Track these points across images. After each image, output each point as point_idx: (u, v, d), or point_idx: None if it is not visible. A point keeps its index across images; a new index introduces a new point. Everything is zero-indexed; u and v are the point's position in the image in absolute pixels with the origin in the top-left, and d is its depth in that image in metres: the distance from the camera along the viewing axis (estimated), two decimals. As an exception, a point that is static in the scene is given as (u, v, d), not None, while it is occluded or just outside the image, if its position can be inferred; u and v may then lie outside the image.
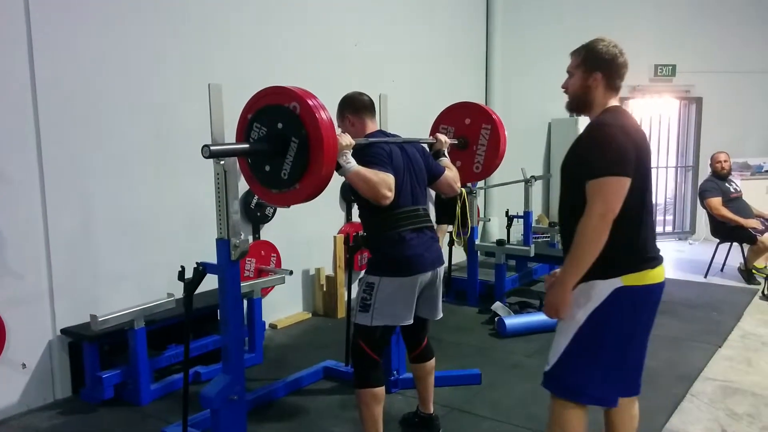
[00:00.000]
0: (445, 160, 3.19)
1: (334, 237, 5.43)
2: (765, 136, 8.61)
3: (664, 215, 9.42)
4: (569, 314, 2.24)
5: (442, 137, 3.27)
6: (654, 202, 2.30)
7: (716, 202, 6.25)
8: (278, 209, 4.84)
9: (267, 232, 4.90)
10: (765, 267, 6.21)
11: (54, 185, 3.53)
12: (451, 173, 3.11)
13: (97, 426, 3.32)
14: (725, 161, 6.44)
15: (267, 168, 2.45)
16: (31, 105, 3.42)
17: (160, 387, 3.65)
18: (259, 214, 4.79)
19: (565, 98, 2.41)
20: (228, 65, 4.44)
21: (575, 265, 2.17)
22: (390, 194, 2.62)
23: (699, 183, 7.11)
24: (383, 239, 2.78)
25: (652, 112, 8.86)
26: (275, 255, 4.87)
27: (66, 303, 3.62)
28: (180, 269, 3.02)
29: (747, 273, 6.28)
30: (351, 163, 2.57)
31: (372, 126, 2.95)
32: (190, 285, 2.96)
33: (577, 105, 2.37)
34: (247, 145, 2.46)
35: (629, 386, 2.40)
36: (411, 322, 2.81)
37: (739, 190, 6.49)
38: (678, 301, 5.61)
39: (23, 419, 3.40)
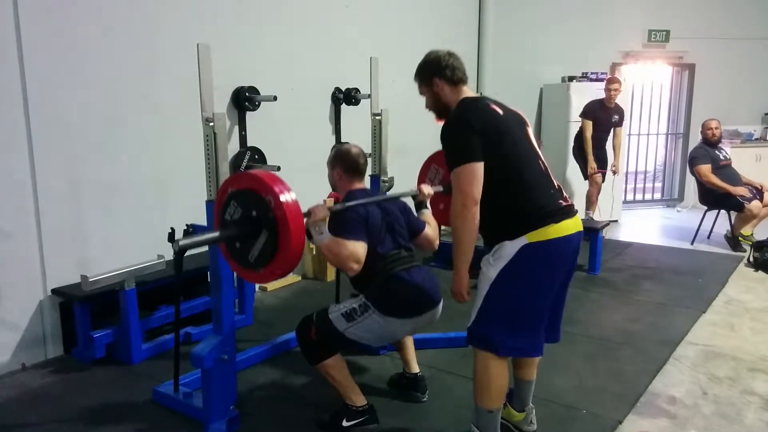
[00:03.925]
0: (427, 213, 3.21)
1: (324, 201, 5.42)
2: (756, 104, 8.61)
3: (653, 182, 9.45)
4: (484, 275, 2.40)
5: (426, 189, 3.26)
6: (542, 165, 2.45)
7: (706, 169, 6.28)
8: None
9: (257, 195, 4.87)
10: (751, 234, 6.27)
11: (42, 145, 3.49)
12: (430, 230, 3.12)
13: (89, 384, 3.36)
14: (716, 128, 6.45)
15: (237, 245, 2.43)
16: (17, 65, 3.37)
17: (151, 347, 3.69)
18: (249, 176, 4.76)
19: (434, 117, 2.60)
20: (218, 27, 4.36)
21: (457, 252, 2.37)
22: (357, 267, 2.65)
23: (689, 150, 7.13)
24: (374, 282, 2.78)
25: (645, 78, 8.80)
26: (266, 218, 4.85)
27: (56, 263, 3.62)
28: (170, 231, 3.03)
29: (733, 240, 6.34)
30: (323, 235, 2.60)
31: (357, 185, 2.97)
32: (180, 247, 2.97)
33: (438, 111, 2.56)
34: (216, 234, 2.40)
35: (549, 334, 2.57)
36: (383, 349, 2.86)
37: (728, 157, 6.51)
38: (664, 267, 5.68)
39: (16, 377, 3.43)
